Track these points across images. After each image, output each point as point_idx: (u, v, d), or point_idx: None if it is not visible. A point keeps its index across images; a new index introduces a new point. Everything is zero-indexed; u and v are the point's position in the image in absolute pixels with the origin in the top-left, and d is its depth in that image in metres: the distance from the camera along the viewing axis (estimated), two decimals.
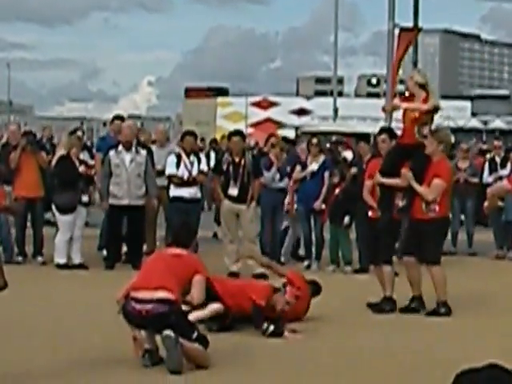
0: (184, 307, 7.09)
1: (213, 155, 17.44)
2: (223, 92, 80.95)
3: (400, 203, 9.48)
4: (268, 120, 73.52)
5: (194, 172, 12.47)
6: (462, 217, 15.34)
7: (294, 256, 13.53)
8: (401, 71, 19.62)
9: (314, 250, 12.86)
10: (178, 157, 12.51)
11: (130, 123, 13.27)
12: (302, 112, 73.56)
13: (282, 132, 42.24)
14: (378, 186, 9.77)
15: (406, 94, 9.85)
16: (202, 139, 21.45)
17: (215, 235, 16.15)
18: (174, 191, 12.50)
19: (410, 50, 20.10)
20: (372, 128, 27.39)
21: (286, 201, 13.19)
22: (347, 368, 7.00)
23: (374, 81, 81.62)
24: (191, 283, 6.99)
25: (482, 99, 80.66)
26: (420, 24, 20.54)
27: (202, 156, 13.09)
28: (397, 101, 9.98)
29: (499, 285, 11.66)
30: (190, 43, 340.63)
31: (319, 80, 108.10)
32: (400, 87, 21.98)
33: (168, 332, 6.54)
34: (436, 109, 9.31)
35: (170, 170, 12.47)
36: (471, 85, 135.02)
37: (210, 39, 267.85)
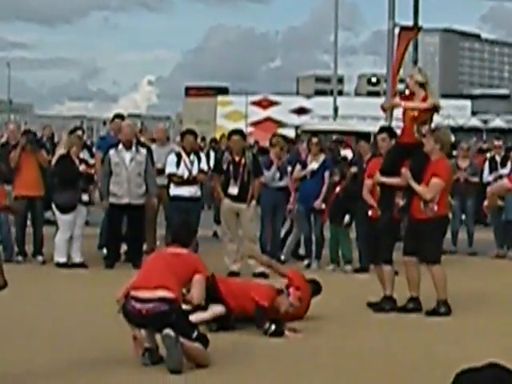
0: (184, 306, 7.09)
1: (212, 154, 17.42)
2: (223, 91, 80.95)
3: (400, 202, 9.49)
4: (268, 119, 73.53)
5: (194, 171, 12.46)
6: (463, 216, 15.34)
7: (294, 255, 13.53)
8: (401, 71, 19.61)
9: (313, 249, 12.86)
10: (178, 156, 12.51)
11: (129, 122, 13.28)
12: (302, 111, 73.57)
13: (282, 131, 42.23)
14: (378, 185, 9.77)
15: (407, 92, 9.84)
16: (203, 138, 21.43)
17: (215, 234, 16.15)
18: (174, 190, 12.50)
19: (410, 49, 20.11)
20: (372, 127, 27.36)
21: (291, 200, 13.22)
22: (347, 367, 7.00)
23: (374, 80, 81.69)
24: (191, 282, 6.99)
25: (482, 98, 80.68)
26: (420, 23, 20.55)
27: (202, 155, 13.08)
28: (396, 99, 9.98)
29: (499, 284, 11.66)
30: (190, 42, 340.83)
31: (319, 79, 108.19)
32: (400, 86, 21.97)
33: (168, 331, 6.54)
34: (436, 108, 9.30)
35: (170, 168, 12.47)
36: (471, 84, 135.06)
37: (210, 38, 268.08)
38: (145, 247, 12.70)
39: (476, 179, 15.19)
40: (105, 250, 12.81)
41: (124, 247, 12.70)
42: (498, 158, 15.50)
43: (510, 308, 9.80)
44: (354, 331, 8.43)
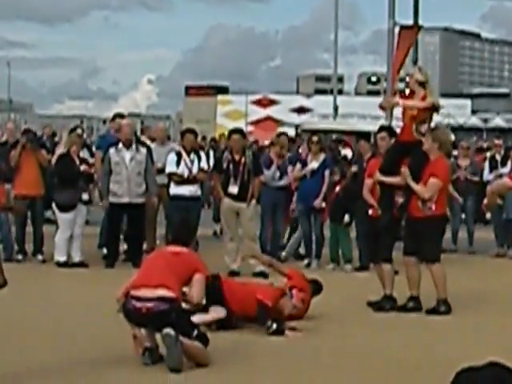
0: (184, 306, 7.08)
1: (211, 154, 17.42)
2: (223, 90, 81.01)
3: (400, 201, 9.48)
4: (268, 118, 73.57)
5: (195, 170, 12.46)
6: (462, 215, 15.34)
7: (294, 254, 13.53)
8: (402, 71, 19.63)
9: (313, 248, 12.85)
10: (179, 155, 12.50)
11: (129, 121, 13.28)
12: (302, 110, 73.59)
13: (282, 130, 42.18)
14: (378, 184, 9.77)
15: (407, 91, 9.84)
16: (204, 137, 21.42)
17: (215, 233, 16.16)
18: (174, 189, 12.49)
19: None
20: (372, 126, 27.37)
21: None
22: (347, 366, 7.00)
23: (374, 79, 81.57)
24: (191, 282, 6.98)
25: (482, 97, 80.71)
26: (420, 22, 20.57)
27: (203, 154, 13.08)
28: (395, 98, 9.97)
29: (500, 283, 11.66)
30: (190, 42, 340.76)
31: (319, 78, 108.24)
32: (400, 85, 21.99)
33: (168, 330, 6.53)
34: (435, 107, 9.30)
35: (171, 168, 12.46)
36: (471, 83, 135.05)
37: (210, 38, 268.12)
38: (145, 246, 12.70)
39: (476, 178, 15.20)
40: (105, 250, 12.81)
41: (124, 246, 12.71)
42: (498, 157, 15.51)
43: (510, 307, 9.79)
44: (354, 330, 8.42)
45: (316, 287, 8.98)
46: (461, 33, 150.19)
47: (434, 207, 9.24)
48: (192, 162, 12.47)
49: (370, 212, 10.03)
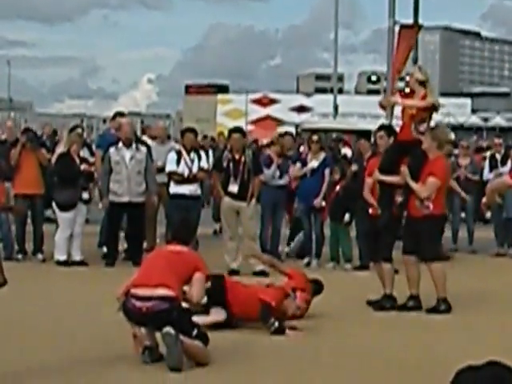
0: (185, 305, 7.08)
1: (210, 152, 17.42)
2: (223, 89, 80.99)
3: (399, 200, 9.48)
4: (268, 117, 73.59)
5: (195, 169, 12.45)
6: (462, 214, 15.34)
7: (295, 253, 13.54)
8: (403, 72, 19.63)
9: (314, 247, 12.85)
10: (179, 154, 12.50)
11: (128, 120, 13.27)
12: (302, 109, 73.61)
13: (282, 129, 42.19)
14: (377, 183, 9.76)
15: (407, 90, 9.84)
16: (205, 136, 21.37)
17: (215, 232, 16.16)
18: (174, 188, 12.49)
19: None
20: (372, 125, 27.36)
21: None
22: (347, 365, 7.00)
23: (374, 78, 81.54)
24: (191, 280, 6.98)
25: (483, 96, 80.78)
26: (420, 21, 20.57)
27: (203, 153, 13.07)
28: (395, 97, 9.96)
29: (500, 282, 11.66)
30: (190, 40, 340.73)
31: (319, 77, 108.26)
32: (401, 84, 21.98)
33: (168, 329, 6.53)
34: (434, 107, 9.30)
35: (171, 166, 12.46)
36: (471, 82, 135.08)
37: (210, 36, 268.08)
38: (145, 245, 12.70)
39: (476, 177, 15.20)
40: (104, 249, 12.80)
41: (124, 245, 12.71)
42: (498, 156, 15.50)
43: (510, 306, 9.79)
44: (354, 329, 8.42)
45: (317, 287, 8.98)
46: (461, 32, 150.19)
47: (432, 206, 9.24)
48: (192, 161, 12.47)
49: (371, 211, 10.03)
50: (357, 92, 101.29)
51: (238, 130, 12.54)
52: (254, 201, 12.04)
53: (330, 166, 12.86)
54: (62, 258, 12.04)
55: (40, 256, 12.56)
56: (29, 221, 12.86)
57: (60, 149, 13.05)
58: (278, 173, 13.10)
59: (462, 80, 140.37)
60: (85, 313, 8.85)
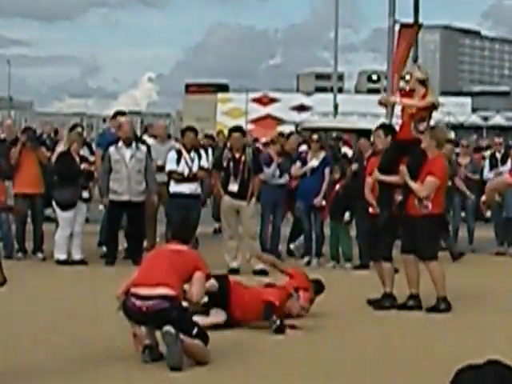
0: (185, 304, 7.08)
1: (209, 151, 17.41)
2: (223, 88, 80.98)
3: (399, 199, 9.48)
4: (268, 116, 73.59)
5: (195, 168, 12.45)
6: (462, 213, 15.34)
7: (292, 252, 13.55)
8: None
9: (313, 246, 12.85)
10: (179, 153, 12.50)
11: (128, 119, 13.27)
12: (302, 108, 73.60)
13: (282, 128, 42.20)
14: (376, 182, 9.76)
15: (407, 89, 9.83)
16: (206, 135, 21.30)
17: (215, 231, 16.16)
18: (174, 187, 12.49)
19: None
20: (372, 124, 27.34)
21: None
22: (347, 364, 7.00)
23: (374, 77, 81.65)
24: (192, 280, 6.97)
25: (483, 95, 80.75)
26: (420, 20, 20.55)
27: (203, 152, 13.07)
28: (394, 97, 9.97)
29: (500, 281, 11.66)
30: (190, 40, 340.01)
31: (319, 76, 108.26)
32: (402, 83, 21.96)
33: (168, 328, 6.53)
34: (434, 106, 9.30)
35: (171, 166, 12.46)
36: (472, 81, 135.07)
37: (211, 36, 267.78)
38: (145, 244, 12.70)
39: (476, 176, 15.20)
40: (104, 248, 12.80)
41: (124, 244, 12.71)
42: (498, 156, 15.50)
43: (510, 305, 9.79)
44: (354, 328, 8.42)
45: (318, 287, 8.99)
46: (461, 31, 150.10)
47: (430, 206, 9.24)
48: (192, 160, 12.47)
49: (371, 210, 10.03)
50: (357, 91, 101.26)
51: (238, 129, 12.54)
52: (254, 200, 12.05)
53: (330, 165, 12.86)
54: (62, 256, 12.04)
55: (40, 255, 12.56)
56: (29, 220, 12.86)
57: (60, 148, 13.06)
58: (277, 172, 13.10)
59: (462, 79, 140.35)
60: (85, 312, 8.86)
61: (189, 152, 12.50)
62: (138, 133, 19.63)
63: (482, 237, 15.22)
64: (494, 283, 11.44)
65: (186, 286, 6.98)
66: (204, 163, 12.61)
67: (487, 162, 15.56)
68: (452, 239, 14.10)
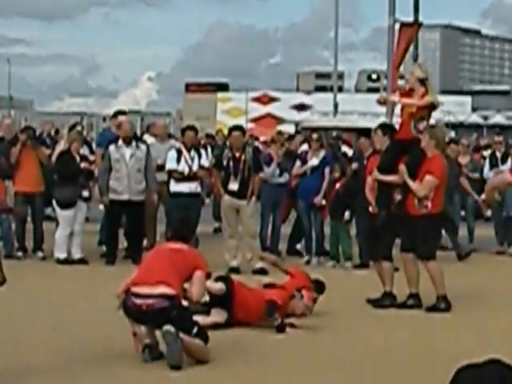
0: (185, 303, 7.08)
1: (209, 150, 17.42)
2: (223, 87, 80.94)
3: (398, 198, 9.48)
4: (268, 115, 73.57)
5: (195, 167, 12.45)
6: (462, 212, 15.33)
7: (293, 251, 13.53)
8: (401, 68, 19.60)
9: (313, 245, 12.84)
10: (179, 152, 12.49)
11: (128, 118, 13.27)
12: (302, 107, 73.57)
13: (282, 127, 42.19)
14: (376, 182, 9.75)
15: (406, 88, 9.82)
16: (207, 135, 21.28)
17: (215, 230, 16.15)
18: (174, 186, 12.49)
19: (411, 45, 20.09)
20: (373, 123, 27.33)
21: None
22: (347, 363, 7.00)
23: (374, 76, 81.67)
24: (192, 279, 6.97)
25: (483, 94, 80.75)
26: (420, 19, 20.51)
27: (203, 151, 13.08)
28: (394, 96, 9.95)
29: (500, 280, 11.66)
30: (190, 39, 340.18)
31: (319, 75, 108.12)
32: (400, 82, 21.95)
33: (168, 327, 6.53)
34: (433, 105, 9.29)
35: (171, 165, 12.46)
36: (472, 80, 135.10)
37: (210, 35, 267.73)
38: (145, 243, 12.70)
39: (476, 175, 15.19)
40: (104, 247, 12.80)
41: (124, 243, 12.70)
42: (498, 155, 15.49)
43: (510, 304, 9.79)
44: (353, 327, 8.42)
45: (319, 287, 8.99)
46: (461, 30, 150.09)
47: (429, 205, 9.23)
48: (192, 159, 12.47)
49: (371, 209, 10.02)
50: (357, 90, 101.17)
51: (238, 128, 12.54)
52: (254, 199, 12.05)
53: (330, 164, 12.85)
54: (62, 256, 12.04)
55: (40, 254, 12.56)
56: (29, 219, 12.86)
57: (60, 147, 13.05)
58: (277, 171, 13.10)
59: (463, 78, 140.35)
60: (85, 311, 8.86)
61: (189, 151, 12.50)
62: (138, 132, 19.63)
63: (482, 236, 15.21)
64: (494, 282, 11.44)
65: (186, 285, 6.98)
66: (204, 162, 12.61)
67: (487, 162, 15.55)
68: (456, 239, 14.05)
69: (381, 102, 10.08)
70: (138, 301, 6.70)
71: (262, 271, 11.26)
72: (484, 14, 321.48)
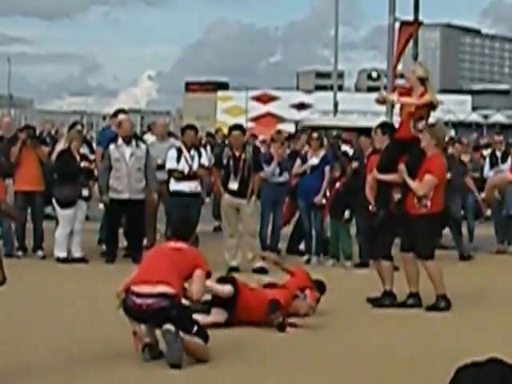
0: (185, 302, 7.07)
1: (208, 149, 17.43)
2: (223, 86, 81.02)
3: (397, 197, 9.47)
4: (268, 114, 73.65)
5: (195, 166, 12.44)
6: (462, 212, 15.32)
7: (294, 250, 13.52)
8: (400, 66, 19.60)
9: (313, 244, 12.83)
10: (179, 151, 12.49)
11: (127, 117, 13.26)
12: (302, 106, 73.68)
13: (282, 126, 42.20)
14: (375, 181, 9.74)
15: (407, 86, 9.80)
16: (208, 134, 21.26)
17: (215, 229, 16.15)
18: (175, 185, 12.48)
19: (411, 44, 20.09)
20: (373, 122, 27.34)
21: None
22: (347, 362, 7.00)
23: (374, 75, 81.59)
24: (192, 278, 6.97)
25: (483, 93, 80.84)
26: (420, 18, 20.51)
27: (203, 150, 13.07)
28: (393, 95, 9.94)
29: (500, 279, 11.66)
30: (190, 37, 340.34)
31: (319, 74, 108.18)
32: (399, 81, 21.95)
33: (168, 326, 6.53)
34: (433, 104, 9.29)
35: (171, 164, 12.45)
36: (472, 79, 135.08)
37: (210, 33, 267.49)
38: (145, 242, 12.69)
39: (476, 175, 15.18)
40: (104, 246, 12.79)
41: (124, 242, 12.70)
42: (498, 154, 15.49)
43: (510, 303, 9.79)
44: (353, 327, 8.42)
45: (320, 287, 8.99)
46: (461, 29, 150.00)
47: (429, 204, 9.23)
48: (192, 158, 12.46)
49: (371, 208, 10.02)
50: (357, 89, 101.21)
51: (237, 127, 12.53)
52: (254, 198, 12.04)
53: (330, 163, 12.85)
54: (62, 254, 12.04)
55: (40, 253, 12.56)
56: (29, 218, 12.85)
57: (60, 146, 13.04)
58: (277, 170, 13.10)
59: (463, 77, 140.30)
60: (84, 310, 8.85)
61: (189, 150, 12.49)
62: (138, 131, 19.62)
63: (482, 235, 15.21)
64: (494, 281, 11.44)
65: (186, 285, 6.97)
66: (204, 161, 12.60)
67: (487, 161, 15.55)
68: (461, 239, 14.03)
69: (380, 101, 10.07)
70: (138, 300, 6.70)
71: (262, 270, 11.26)
72: (484, 13, 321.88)
